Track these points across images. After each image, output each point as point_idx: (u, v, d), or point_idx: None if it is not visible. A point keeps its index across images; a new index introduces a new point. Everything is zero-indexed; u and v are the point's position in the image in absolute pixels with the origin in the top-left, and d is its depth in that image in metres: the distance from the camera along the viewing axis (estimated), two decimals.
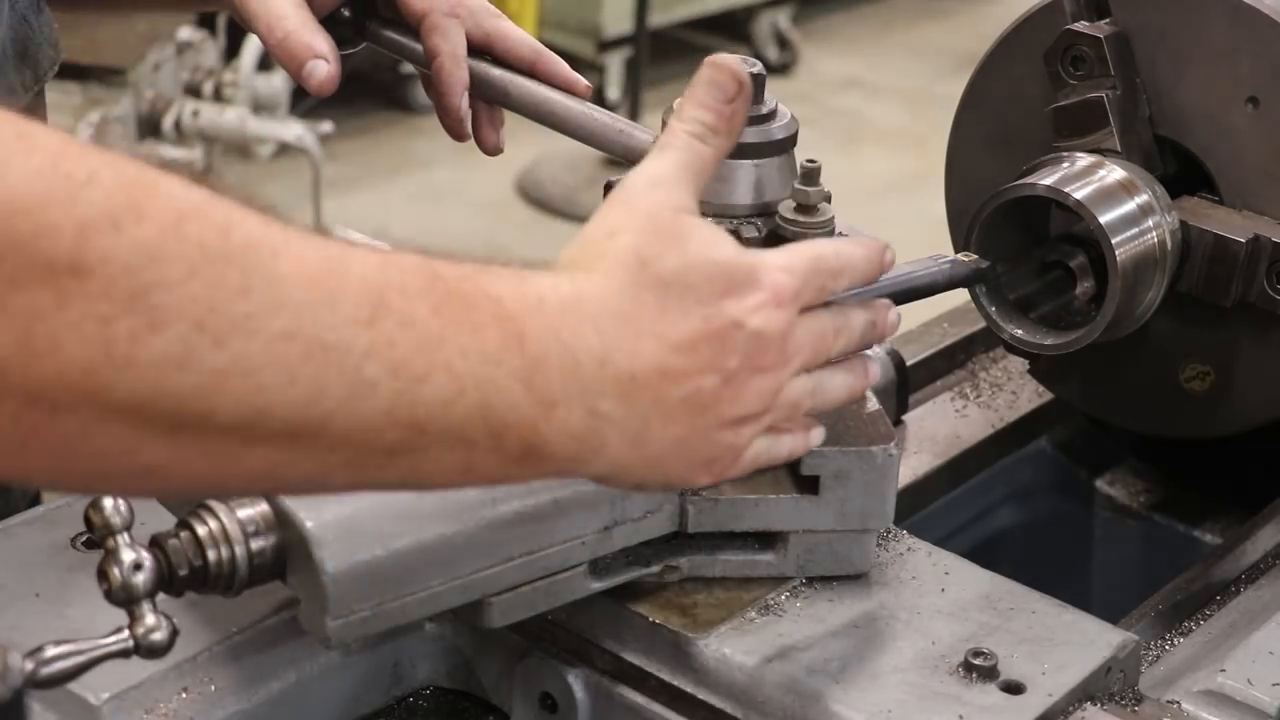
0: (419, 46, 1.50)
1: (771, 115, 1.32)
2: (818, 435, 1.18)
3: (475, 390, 0.97)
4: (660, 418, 1.05)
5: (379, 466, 0.98)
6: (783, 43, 7.43)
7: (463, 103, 1.48)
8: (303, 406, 0.93)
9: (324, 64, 1.44)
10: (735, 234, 1.30)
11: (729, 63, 1.13)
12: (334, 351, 0.92)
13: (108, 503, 1.08)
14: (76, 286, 0.85)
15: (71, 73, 4.30)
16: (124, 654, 1.08)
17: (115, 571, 1.08)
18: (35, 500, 1.55)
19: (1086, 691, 1.26)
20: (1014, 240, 1.55)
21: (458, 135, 1.54)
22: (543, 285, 1.03)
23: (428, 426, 0.97)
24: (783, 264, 1.10)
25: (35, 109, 1.53)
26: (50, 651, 1.06)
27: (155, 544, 1.11)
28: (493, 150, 1.57)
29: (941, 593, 1.33)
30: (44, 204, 0.85)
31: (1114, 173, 1.53)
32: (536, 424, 1.00)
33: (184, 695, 1.22)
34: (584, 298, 1.03)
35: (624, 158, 1.41)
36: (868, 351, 1.22)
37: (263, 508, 1.14)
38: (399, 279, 0.97)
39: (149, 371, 0.88)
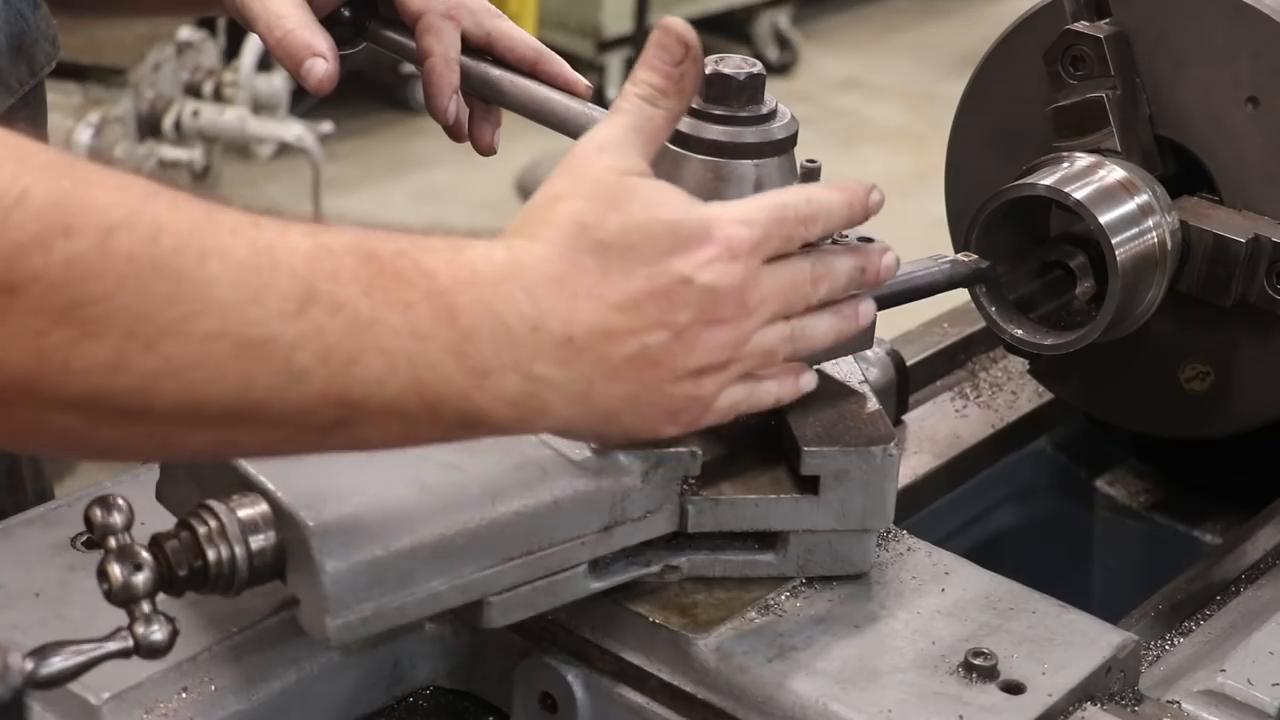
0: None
1: (771, 115, 1.32)
2: (808, 380, 1.21)
3: (407, 366, 1.02)
4: (605, 377, 1.08)
5: (321, 438, 1.04)
6: (783, 43, 7.43)
7: (451, 105, 1.49)
8: (236, 397, 0.98)
9: (322, 62, 1.44)
10: None
11: (675, 25, 1.14)
12: (262, 346, 0.98)
13: (108, 503, 1.09)
14: (10, 303, 0.92)
15: (71, 73, 4.31)
16: (124, 654, 1.08)
17: (115, 571, 1.08)
18: (45, 498, 1.55)
19: (1086, 691, 1.26)
20: (1014, 240, 1.55)
21: (455, 135, 1.55)
22: (477, 256, 1.06)
23: (363, 404, 1.02)
24: (739, 216, 1.12)
25: (33, 104, 1.53)
26: (50, 652, 1.06)
27: (155, 544, 1.11)
28: (487, 150, 1.57)
29: (941, 593, 1.33)
30: None
31: (1114, 173, 1.53)
32: (470, 394, 1.04)
33: (184, 695, 1.22)
34: (520, 265, 1.06)
35: None
36: (868, 353, 1.22)
37: (262, 508, 1.14)
38: (329, 265, 1.01)
39: (86, 377, 0.94)
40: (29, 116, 1.52)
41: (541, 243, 1.08)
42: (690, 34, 1.14)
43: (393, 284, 1.02)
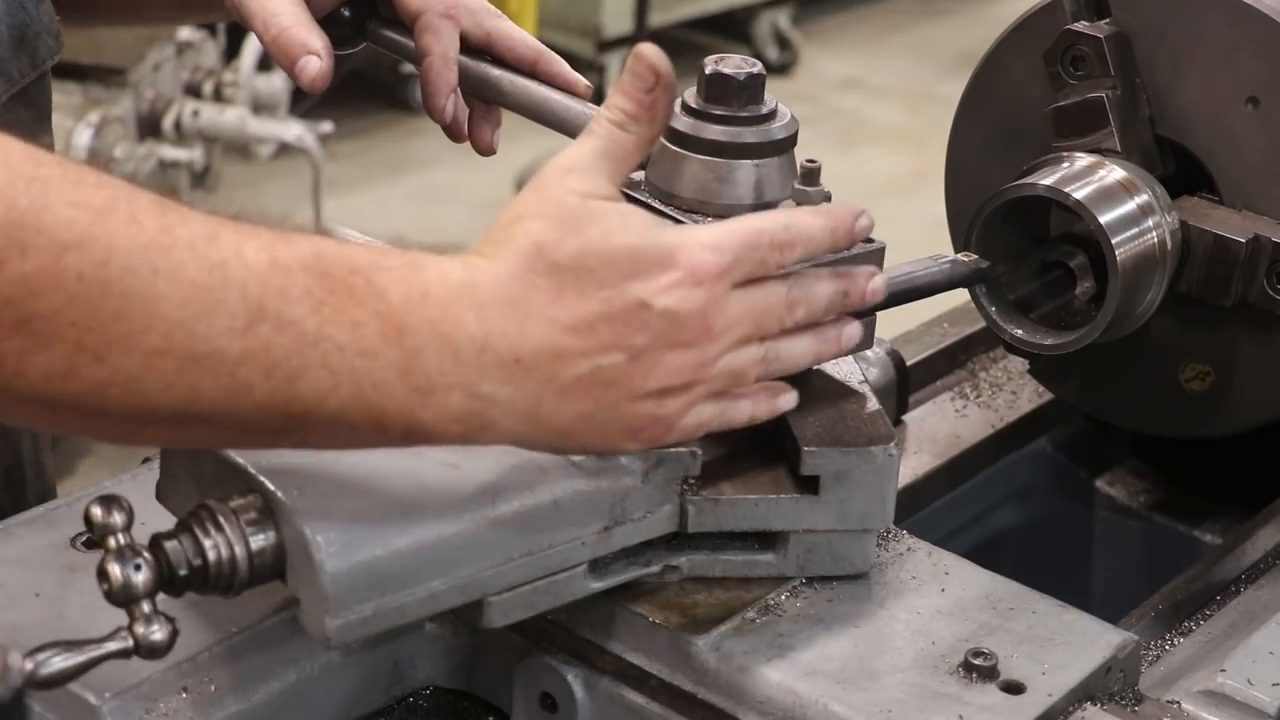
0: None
1: (771, 115, 1.32)
2: (787, 399, 1.21)
3: (351, 383, 1.05)
4: (555, 395, 1.10)
5: (269, 440, 1.10)
6: (783, 43, 7.43)
7: (449, 104, 1.49)
8: (183, 405, 1.03)
9: (316, 60, 1.45)
10: None
11: (648, 53, 1.15)
12: (207, 360, 1.02)
13: (108, 503, 1.09)
14: None
15: (71, 73, 4.30)
16: (124, 654, 1.09)
17: (115, 571, 1.08)
18: (47, 498, 1.55)
19: (1086, 691, 1.26)
20: (1014, 240, 1.55)
21: (454, 135, 1.55)
22: (431, 276, 1.08)
23: (306, 416, 1.06)
24: (708, 242, 1.13)
25: (37, 101, 1.53)
26: (50, 651, 1.07)
27: (155, 544, 1.11)
28: (486, 150, 1.57)
29: (941, 593, 1.33)
30: None
31: (1114, 173, 1.53)
32: (414, 410, 1.07)
33: (184, 695, 1.22)
34: (473, 285, 1.09)
35: None
36: (868, 353, 1.22)
37: (262, 507, 1.14)
38: (280, 281, 1.04)
39: (39, 382, 1.01)
40: (33, 114, 1.52)
41: (497, 262, 1.10)
42: (663, 63, 1.15)
43: (343, 302, 1.05)
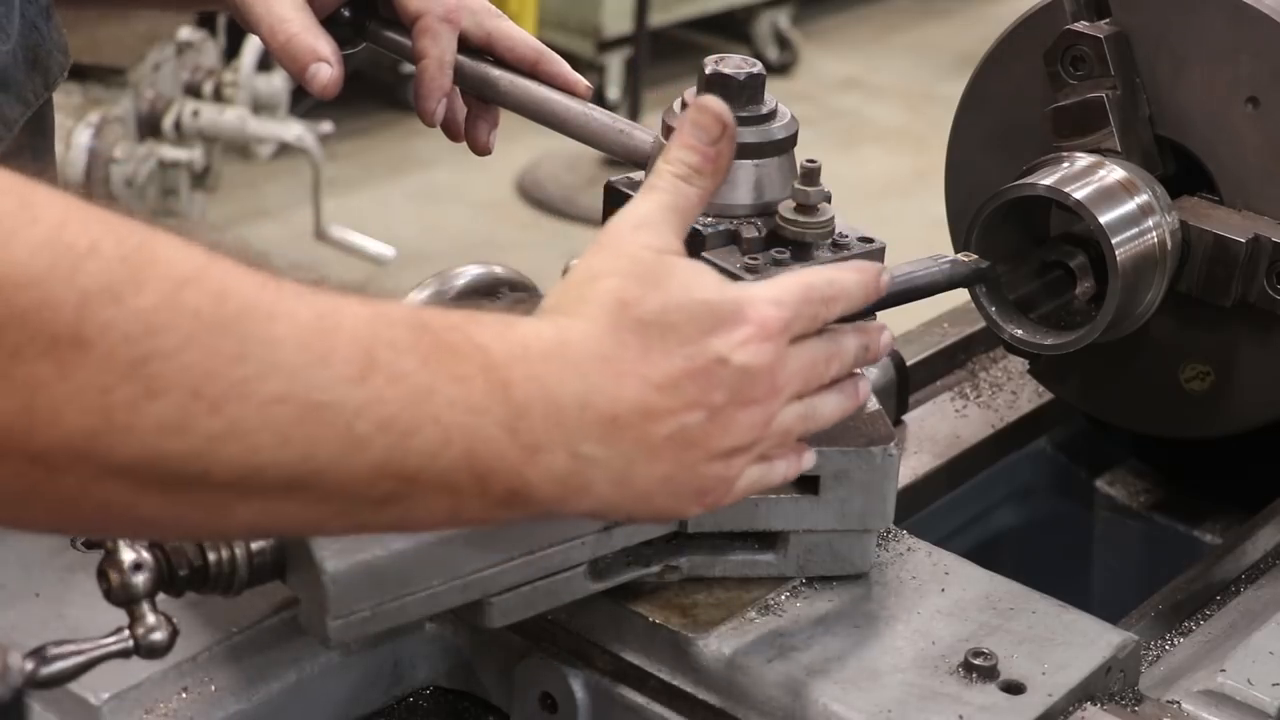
0: None
1: (771, 115, 1.32)
2: (809, 459, 1.19)
3: (462, 440, 1.00)
4: (645, 456, 1.06)
5: (371, 514, 1.01)
6: (783, 43, 7.43)
7: (438, 109, 1.49)
8: (296, 464, 0.95)
9: (327, 67, 1.44)
10: (735, 234, 1.30)
11: (712, 105, 1.13)
12: (326, 411, 0.95)
13: None
14: (78, 358, 0.88)
15: (71, 73, 4.29)
16: (124, 654, 1.09)
17: (115, 571, 1.08)
18: None
19: (1086, 691, 1.26)
20: (1014, 240, 1.55)
21: (451, 135, 1.55)
22: (526, 332, 1.04)
23: (417, 477, 0.99)
24: (772, 297, 1.11)
25: (43, 115, 1.53)
26: (50, 651, 1.07)
27: (155, 544, 1.11)
28: (483, 150, 1.57)
29: (941, 593, 1.33)
30: (46, 277, 0.87)
31: (1114, 173, 1.53)
32: (521, 470, 1.02)
33: (184, 695, 1.22)
34: (567, 342, 1.05)
35: (624, 158, 1.41)
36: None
37: None
38: (388, 333, 0.99)
39: (147, 437, 0.90)
40: (38, 128, 1.52)
41: (585, 320, 1.07)
42: (727, 113, 1.13)
43: (447, 356, 1.00)
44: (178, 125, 4.69)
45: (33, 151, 1.50)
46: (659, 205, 1.13)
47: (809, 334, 1.14)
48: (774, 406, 1.11)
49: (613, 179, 1.36)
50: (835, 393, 1.19)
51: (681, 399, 1.07)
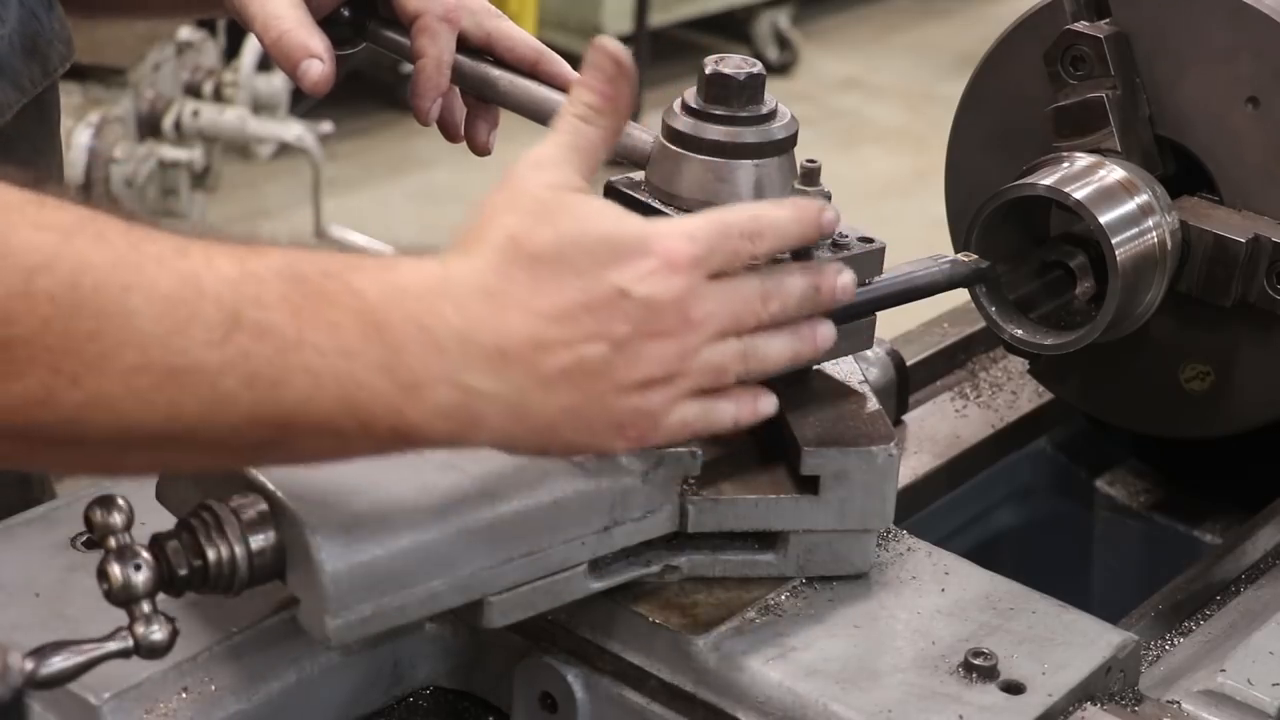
0: None
1: (771, 115, 1.32)
2: (767, 403, 1.19)
3: (334, 385, 1.03)
4: (539, 388, 1.08)
5: (254, 456, 1.08)
6: (783, 43, 7.43)
7: (433, 108, 1.49)
8: (164, 424, 1.01)
9: (318, 63, 1.44)
10: None
11: (608, 45, 1.15)
12: (187, 374, 1.01)
13: (108, 503, 1.09)
14: None
15: (71, 73, 4.28)
16: (124, 654, 1.09)
17: (115, 571, 1.08)
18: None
19: (1086, 691, 1.26)
20: (1014, 240, 1.55)
21: (450, 135, 1.55)
22: (406, 272, 1.07)
23: (291, 425, 1.04)
24: (683, 231, 1.12)
25: (44, 106, 1.53)
26: (50, 651, 1.06)
27: (155, 544, 1.11)
28: (482, 150, 1.57)
29: (941, 593, 1.33)
30: None
31: (1114, 173, 1.53)
32: (402, 409, 1.05)
33: (184, 695, 1.22)
34: (449, 278, 1.08)
35: (624, 158, 1.41)
36: (868, 353, 1.22)
37: (262, 507, 1.14)
38: (255, 290, 1.03)
39: (16, 412, 0.99)
40: (42, 123, 1.52)
41: (473, 257, 1.09)
42: (622, 52, 1.15)
43: (320, 305, 1.04)
44: (178, 125, 4.69)
45: (33, 142, 1.51)
46: (558, 145, 1.15)
47: (736, 271, 1.14)
48: (691, 340, 1.12)
49: (613, 179, 1.36)
50: (786, 334, 1.18)
51: (577, 330, 1.08)
